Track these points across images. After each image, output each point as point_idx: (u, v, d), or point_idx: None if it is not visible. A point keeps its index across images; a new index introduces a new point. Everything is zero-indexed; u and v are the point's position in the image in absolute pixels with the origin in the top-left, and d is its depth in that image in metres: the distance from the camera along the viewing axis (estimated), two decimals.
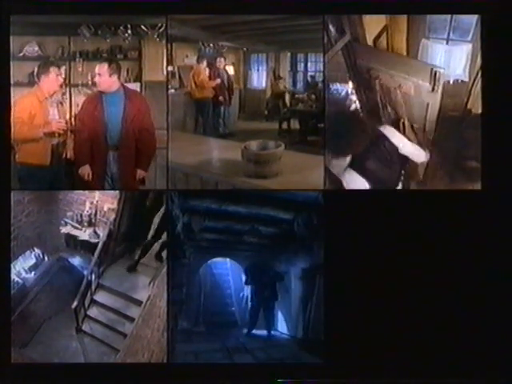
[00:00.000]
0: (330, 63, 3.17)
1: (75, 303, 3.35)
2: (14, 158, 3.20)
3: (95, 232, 3.66)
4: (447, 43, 3.04)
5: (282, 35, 3.77)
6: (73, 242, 3.64)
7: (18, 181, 3.23)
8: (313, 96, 3.55)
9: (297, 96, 3.74)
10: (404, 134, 3.22)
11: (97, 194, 3.57)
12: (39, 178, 3.28)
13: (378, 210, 3.04)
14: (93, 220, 3.68)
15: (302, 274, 3.45)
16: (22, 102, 3.22)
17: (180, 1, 3.14)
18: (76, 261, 3.61)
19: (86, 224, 3.66)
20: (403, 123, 3.21)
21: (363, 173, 3.13)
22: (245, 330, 3.48)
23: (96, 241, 3.57)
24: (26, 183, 3.25)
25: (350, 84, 3.34)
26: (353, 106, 3.35)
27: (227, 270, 3.80)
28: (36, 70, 3.34)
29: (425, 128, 3.17)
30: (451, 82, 3.04)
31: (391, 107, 3.23)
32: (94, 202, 3.62)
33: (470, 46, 3.02)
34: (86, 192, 3.55)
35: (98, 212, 3.66)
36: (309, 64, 3.78)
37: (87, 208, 3.64)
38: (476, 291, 3.00)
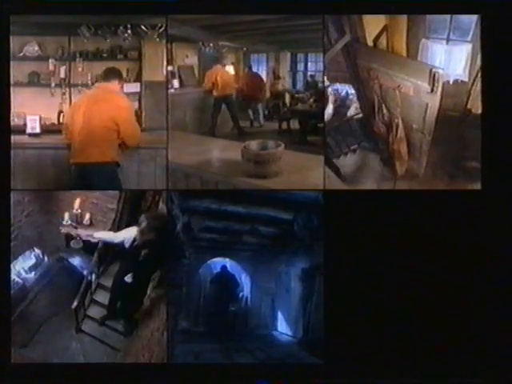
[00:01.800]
0: (330, 63, 3.17)
1: (75, 303, 3.34)
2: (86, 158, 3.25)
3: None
4: (447, 43, 3.04)
5: (281, 35, 3.78)
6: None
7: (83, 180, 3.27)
8: (313, 96, 3.55)
9: (297, 96, 3.74)
10: (396, 134, 3.23)
11: (97, 194, 3.57)
12: (113, 176, 3.32)
13: (378, 210, 3.04)
14: (93, 220, 3.68)
15: (301, 274, 3.45)
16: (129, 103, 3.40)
17: (180, 1, 3.14)
18: (76, 261, 3.60)
19: (86, 224, 3.66)
20: (396, 124, 3.21)
21: None
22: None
23: (96, 241, 3.56)
24: (96, 182, 3.28)
25: (350, 84, 3.35)
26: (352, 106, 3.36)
27: None
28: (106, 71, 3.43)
29: (424, 128, 3.18)
30: (451, 82, 3.04)
31: (386, 108, 3.23)
32: (94, 202, 3.62)
33: (469, 46, 3.02)
34: (86, 192, 3.55)
35: (98, 212, 3.66)
36: (309, 64, 3.78)
37: (87, 208, 3.64)
38: (476, 291, 3.00)
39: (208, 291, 3.62)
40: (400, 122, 3.20)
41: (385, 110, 3.24)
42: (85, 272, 3.52)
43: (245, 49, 4.00)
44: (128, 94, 3.80)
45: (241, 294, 3.62)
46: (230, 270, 3.60)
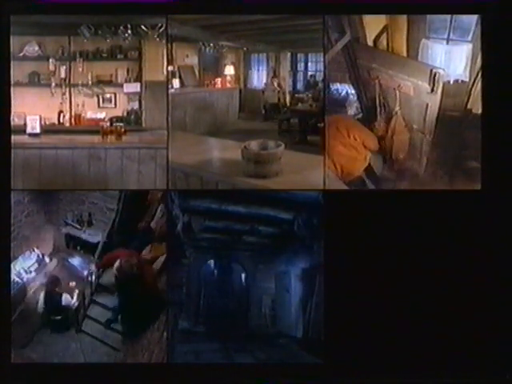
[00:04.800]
0: (330, 63, 3.17)
1: (75, 303, 3.34)
2: None
3: (95, 232, 3.65)
4: (447, 43, 3.05)
5: (282, 35, 3.78)
6: (73, 242, 3.64)
7: None
8: (313, 96, 3.55)
9: (297, 96, 3.75)
10: (394, 130, 3.24)
11: (97, 194, 3.57)
12: None
13: (378, 210, 3.04)
14: (93, 220, 3.68)
15: (302, 274, 3.45)
16: None
17: (180, 1, 3.14)
18: (76, 261, 3.60)
19: (85, 224, 3.66)
20: (395, 120, 3.22)
21: None
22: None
23: (96, 241, 3.56)
24: None
25: (350, 84, 3.35)
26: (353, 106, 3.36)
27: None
28: None
29: (424, 128, 3.18)
30: (451, 82, 3.04)
31: (389, 107, 3.24)
32: (94, 202, 3.62)
33: (470, 45, 3.02)
34: (86, 192, 3.55)
35: (98, 212, 3.66)
36: (309, 64, 3.79)
37: (87, 208, 3.64)
38: (476, 291, 3.00)
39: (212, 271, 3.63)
40: (401, 120, 3.20)
41: (387, 109, 3.24)
42: (85, 272, 3.52)
43: (245, 49, 4.00)
44: (128, 94, 3.82)
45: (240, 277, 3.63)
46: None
